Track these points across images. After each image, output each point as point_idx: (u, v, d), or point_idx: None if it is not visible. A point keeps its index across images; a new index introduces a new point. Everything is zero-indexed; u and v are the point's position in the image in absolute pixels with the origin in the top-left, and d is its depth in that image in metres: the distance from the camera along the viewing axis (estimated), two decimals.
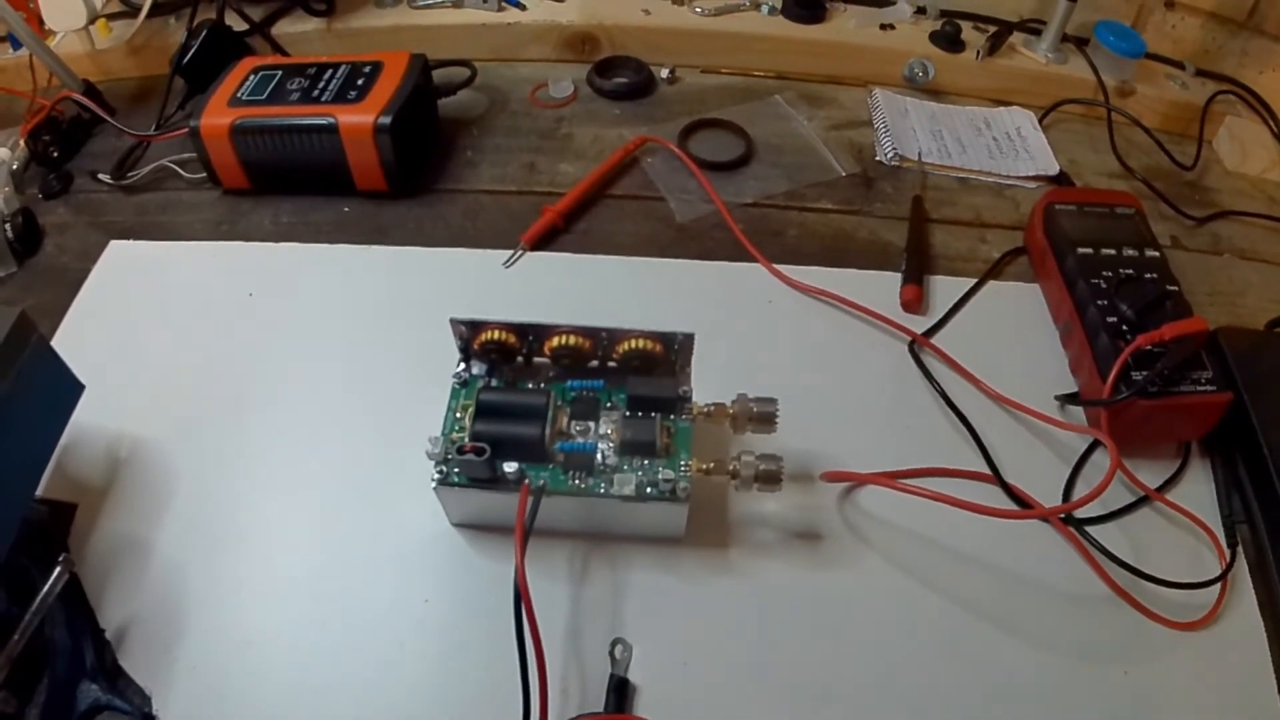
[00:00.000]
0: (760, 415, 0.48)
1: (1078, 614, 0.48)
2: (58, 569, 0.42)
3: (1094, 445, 0.55)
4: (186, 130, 0.62)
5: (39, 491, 0.49)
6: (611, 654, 0.45)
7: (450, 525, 0.49)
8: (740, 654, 0.46)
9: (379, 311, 0.60)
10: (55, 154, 0.67)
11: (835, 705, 0.44)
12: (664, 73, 0.79)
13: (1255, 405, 0.53)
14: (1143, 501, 0.52)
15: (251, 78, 0.65)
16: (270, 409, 0.55)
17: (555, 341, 0.48)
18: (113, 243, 0.63)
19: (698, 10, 0.79)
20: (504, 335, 0.48)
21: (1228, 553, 0.50)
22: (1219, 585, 0.48)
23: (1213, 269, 0.66)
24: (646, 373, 0.49)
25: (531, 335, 0.48)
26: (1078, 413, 0.56)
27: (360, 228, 0.65)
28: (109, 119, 0.68)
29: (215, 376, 0.56)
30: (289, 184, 0.66)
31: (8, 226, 0.60)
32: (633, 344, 0.48)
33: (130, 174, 0.66)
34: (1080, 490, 0.53)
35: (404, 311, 0.60)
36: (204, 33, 0.68)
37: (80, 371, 0.49)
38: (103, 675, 0.44)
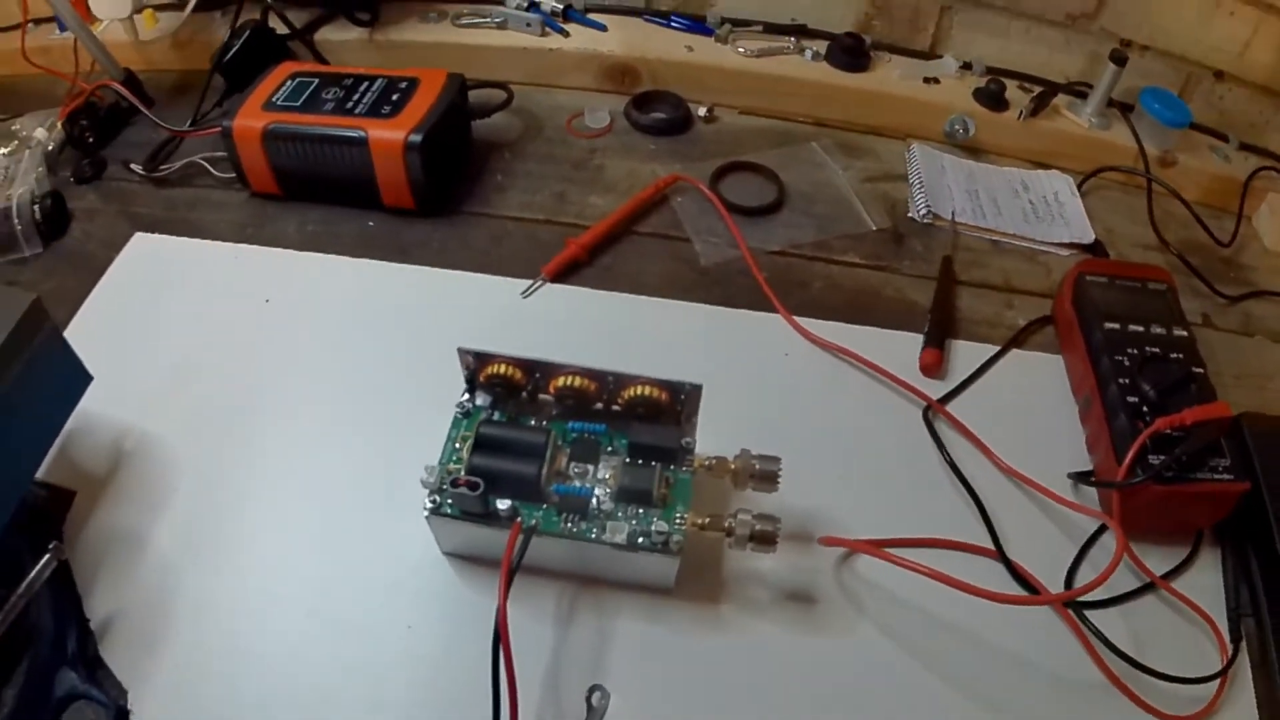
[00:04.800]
0: (762, 473, 0.47)
1: (1070, 701, 0.47)
2: (47, 555, 0.42)
3: (1103, 527, 0.53)
4: (220, 130, 0.63)
5: (40, 474, 0.50)
6: (588, 700, 0.44)
7: (441, 553, 0.49)
8: (721, 712, 0.45)
9: (393, 330, 0.60)
10: (90, 139, 0.68)
11: None
12: (702, 110, 0.79)
13: (1273, 496, 0.51)
14: (1147, 588, 0.51)
15: (289, 83, 0.65)
16: (276, 417, 0.55)
17: (561, 381, 0.47)
18: (137, 235, 0.64)
19: (740, 50, 0.79)
20: (510, 370, 0.48)
21: (1230, 647, 0.48)
22: (1218, 680, 0.47)
23: (1243, 350, 0.64)
24: (651, 420, 0.48)
25: (538, 372, 0.48)
26: (1090, 493, 0.55)
27: (384, 244, 0.65)
28: (145, 110, 0.68)
29: (225, 379, 0.56)
30: (317, 193, 0.66)
31: (36, 207, 0.61)
32: (639, 390, 0.47)
33: (162, 167, 0.67)
34: (1085, 572, 0.52)
35: (417, 333, 0.60)
36: (246, 33, 0.69)
37: (92, 361, 0.50)
38: (83, 664, 0.44)
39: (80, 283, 0.60)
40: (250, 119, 0.63)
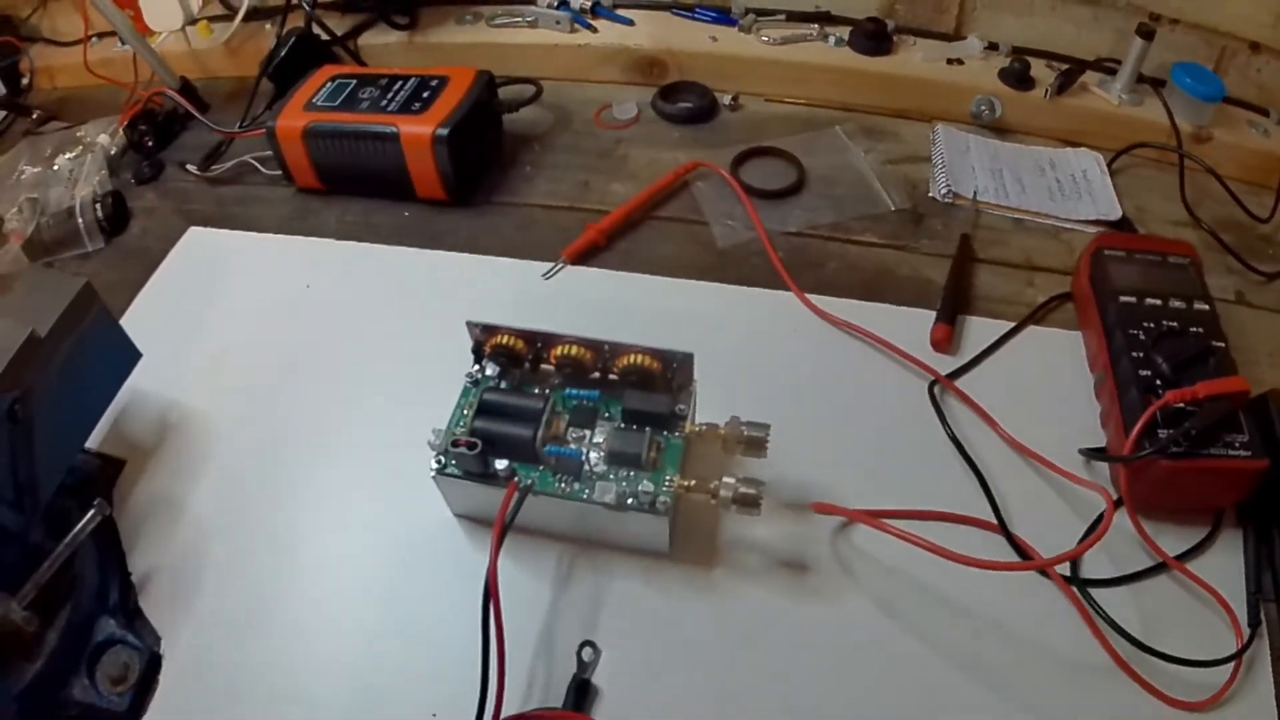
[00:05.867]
0: (750, 440, 0.48)
1: (1070, 681, 0.46)
2: (92, 510, 0.47)
3: (1116, 504, 0.52)
4: (264, 130, 0.68)
5: (94, 445, 0.55)
6: (579, 655, 0.46)
7: (451, 515, 0.52)
8: (709, 673, 0.46)
9: (421, 311, 0.63)
10: (150, 143, 0.74)
11: None
12: (727, 99, 0.80)
13: None
14: (1159, 568, 0.50)
15: (328, 85, 0.70)
16: (310, 394, 0.59)
17: (559, 350, 0.50)
18: (191, 229, 0.69)
19: (765, 39, 0.80)
20: (513, 340, 0.50)
21: (1246, 631, 0.47)
22: (1231, 665, 0.45)
23: (1275, 329, 0.62)
24: (645, 388, 0.50)
25: (539, 342, 0.51)
26: (1102, 470, 0.54)
27: (417, 233, 0.69)
28: (198, 115, 0.74)
29: (265, 359, 0.61)
30: (355, 187, 0.70)
31: (98, 206, 0.67)
32: (632, 359, 0.49)
33: (215, 167, 0.73)
34: (1094, 552, 0.50)
35: (443, 312, 0.61)
36: (292, 40, 0.73)
37: (145, 342, 0.55)
38: (123, 613, 0.48)
39: (139, 274, 0.66)
40: (291, 119, 0.67)
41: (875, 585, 0.49)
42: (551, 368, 0.51)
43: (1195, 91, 0.69)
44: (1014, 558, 0.50)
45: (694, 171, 0.73)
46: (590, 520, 0.49)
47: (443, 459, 0.48)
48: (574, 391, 0.50)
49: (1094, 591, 0.49)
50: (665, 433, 0.49)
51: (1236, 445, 0.49)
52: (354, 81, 0.70)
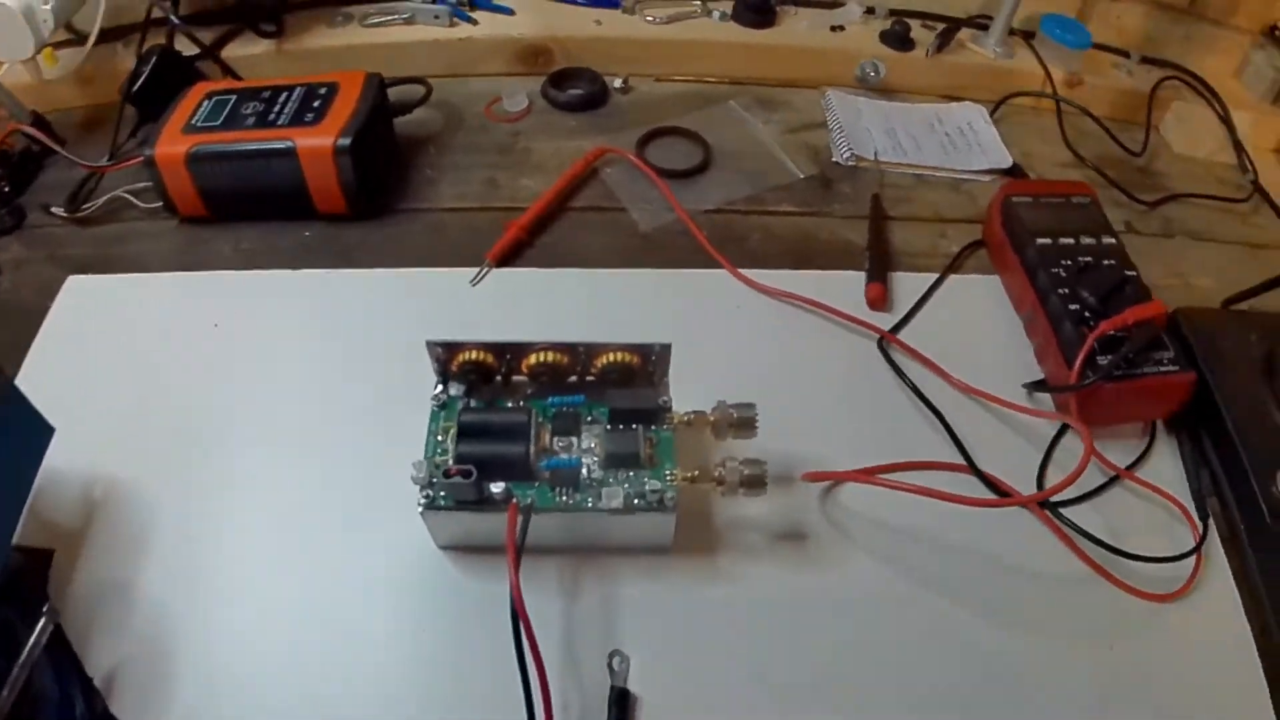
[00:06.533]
0: (740, 421, 0.48)
1: (1060, 594, 0.49)
2: (42, 620, 0.41)
3: (1063, 429, 0.56)
4: (141, 159, 0.61)
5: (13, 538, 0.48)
6: (610, 666, 0.45)
7: (437, 548, 0.49)
8: (736, 657, 0.46)
9: (349, 336, 0.59)
10: (6, 189, 0.65)
11: (833, 699, 0.45)
12: (617, 83, 0.79)
13: (1218, 383, 0.54)
14: (1113, 481, 0.54)
15: (205, 103, 0.63)
16: (245, 441, 0.54)
17: (533, 359, 0.48)
18: (71, 278, 0.61)
19: (649, 19, 0.80)
20: (481, 355, 0.48)
21: (1200, 525, 0.52)
22: (1194, 557, 0.50)
23: (1166, 252, 0.68)
24: (625, 385, 0.49)
25: (509, 354, 0.48)
26: (1045, 399, 0.58)
27: (324, 252, 0.65)
28: (60, 150, 0.66)
29: (187, 411, 0.55)
30: (248, 210, 0.65)
31: None
32: (611, 358, 0.48)
33: (85, 206, 0.65)
34: (1053, 474, 0.54)
35: (374, 335, 0.59)
36: (153, 59, 0.66)
37: (47, 412, 0.48)
38: None
39: (20, 335, 0.58)
40: (172, 144, 0.61)
41: (869, 540, 0.51)
42: (523, 378, 0.49)
43: (1065, 40, 0.74)
44: (987, 493, 0.53)
45: (602, 158, 0.72)
46: (588, 528, 0.47)
47: (430, 492, 0.45)
48: (556, 399, 0.48)
49: (1063, 511, 0.52)
50: (654, 427, 0.48)
51: (1166, 362, 0.54)
52: (234, 97, 0.64)
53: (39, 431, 0.47)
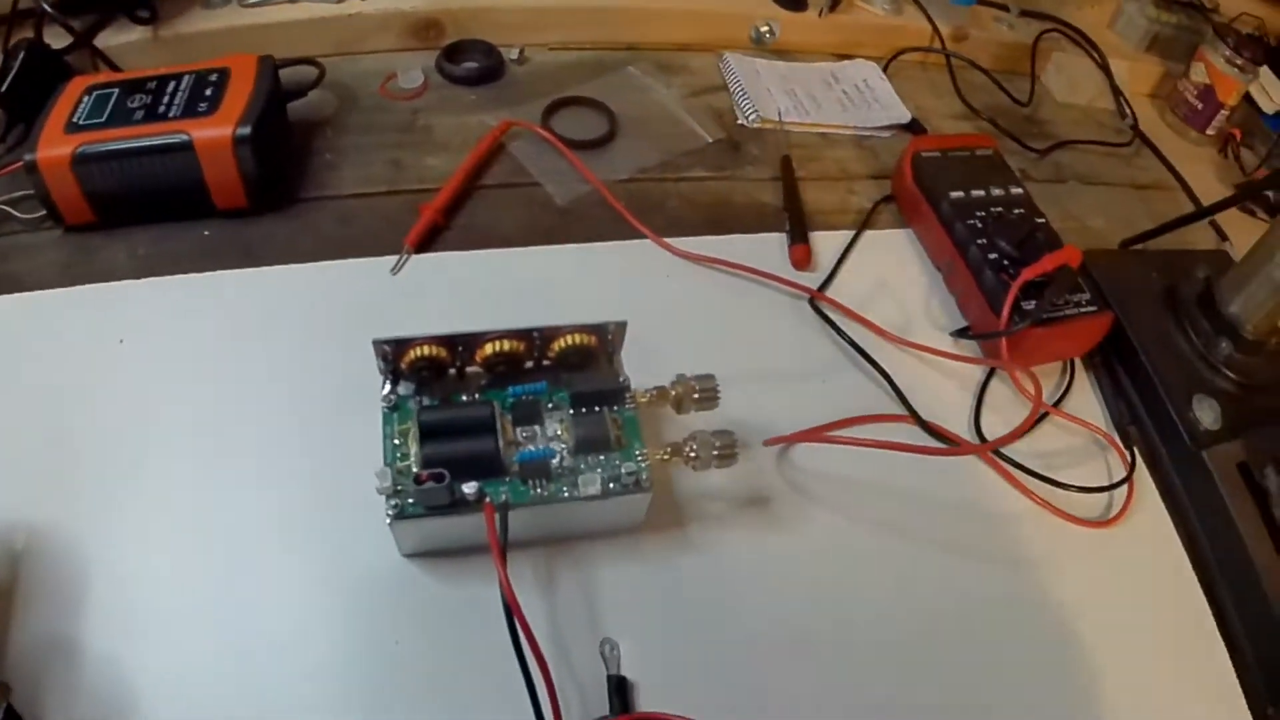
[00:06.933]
0: (703, 393, 0.48)
1: (1009, 529, 0.52)
2: None
3: (991, 373, 0.59)
4: (21, 165, 0.55)
5: None
6: (602, 654, 0.45)
7: (401, 557, 0.47)
8: (722, 626, 0.47)
9: (269, 339, 0.55)
10: None
11: (817, 652, 0.46)
12: (513, 54, 0.77)
13: (1129, 319, 0.58)
14: (1043, 419, 0.57)
15: (86, 99, 0.57)
16: (172, 464, 0.49)
17: (489, 349, 0.46)
18: None
19: None
20: (435, 350, 0.46)
21: (1127, 454, 0.56)
22: (1126, 485, 0.54)
23: (1060, 197, 0.72)
24: (582, 367, 0.48)
25: (461, 345, 0.47)
26: (971, 345, 0.61)
27: (226, 251, 0.60)
28: None
29: (104, 439, 0.50)
30: (140, 213, 0.59)
31: None
32: (569, 340, 0.47)
33: None
34: (986, 415, 0.57)
35: (295, 335, 0.55)
36: (21, 54, 0.59)
37: None
38: None
39: None
40: (54, 146, 0.54)
41: (828, 497, 0.52)
42: (478, 369, 0.48)
43: None
44: (933, 441, 0.56)
45: (507, 132, 0.70)
46: (558, 518, 0.46)
47: (398, 501, 0.43)
48: (517, 389, 0.47)
49: (1004, 450, 0.55)
50: (617, 407, 0.47)
51: (1085, 304, 0.58)
52: (116, 90, 0.58)
53: None
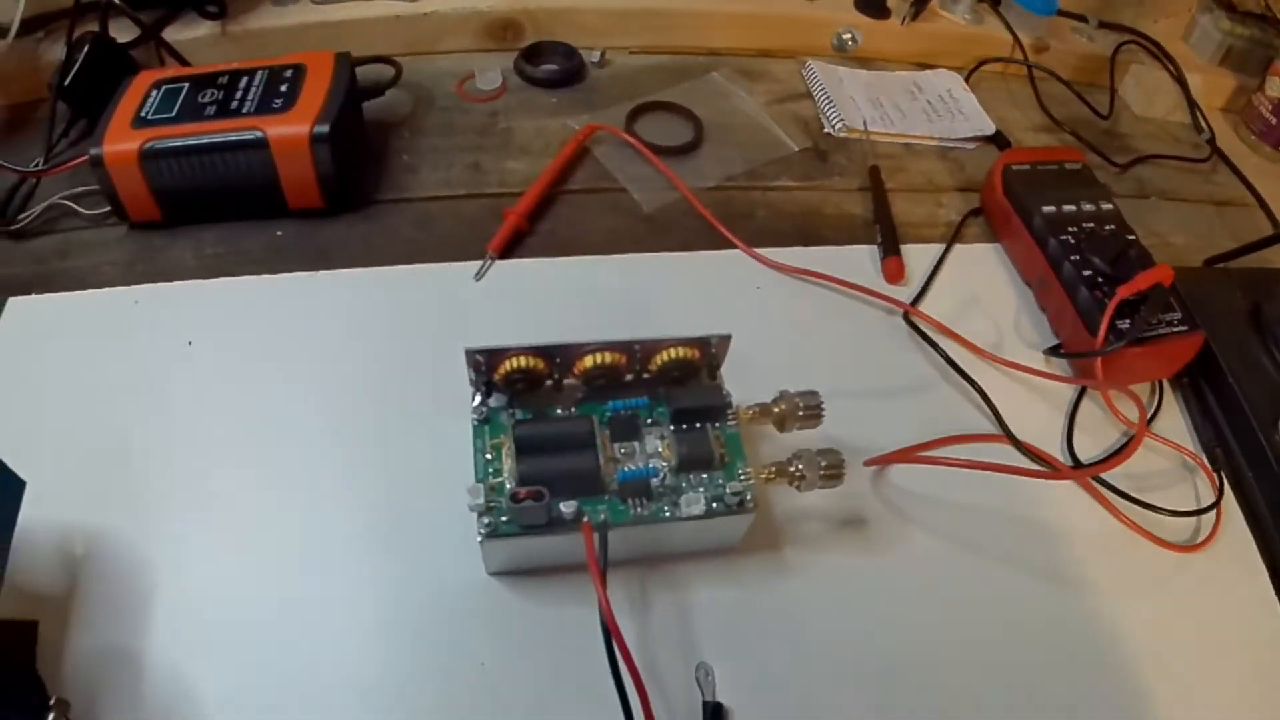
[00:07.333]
0: (807, 410, 0.46)
1: (1102, 553, 0.50)
2: (51, 715, 0.36)
3: (1081, 393, 0.57)
4: (86, 159, 0.53)
5: None
6: (697, 680, 0.43)
7: (486, 575, 0.45)
8: (819, 651, 0.45)
9: (347, 344, 0.54)
10: None
11: (919, 680, 0.44)
12: (594, 56, 0.75)
13: (1215, 339, 0.56)
14: (1132, 439, 0.55)
15: (154, 93, 0.56)
16: (241, 470, 0.48)
17: (589, 362, 0.44)
18: (11, 301, 0.53)
19: None
20: (531, 361, 0.44)
21: (1216, 477, 0.54)
22: (1214, 510, 0.52)
23: (1143, 213, 0.70)
24: (681, 382, 0.47)
25: (558, 357, 0.45)
26: (1061, 363, 0.59)
27: (300, 252, 0.59)
28: None
29: (168, 442, 0.48)
30: (208, 211, 0.58)
31: None
32: (671, 354, 0.45)
33: (20, 217, 0.56)
34: (1078, 435, 0.55)
35: (376, 341, 0.54)
36: (86, 47, 0.58)
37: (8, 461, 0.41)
38: None
39: None
40: (122, 141, 0.53)
41: (925, 518, 0.50)
42: (575, 381, 0.46)
43: (1033, 6, 0.75)
44: (1027, 462, 0.53)
45: (591, 136, 0.68)
46: (653, 537, 0.44)
47: (490, 520, 0.41)
48: (616, 404, 0.45)
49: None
50: (719, 424, 0.46)
51: (1176, 324, 0.56)
52: (186, 85, 0.57)
53: (8, 486, 0.40)
